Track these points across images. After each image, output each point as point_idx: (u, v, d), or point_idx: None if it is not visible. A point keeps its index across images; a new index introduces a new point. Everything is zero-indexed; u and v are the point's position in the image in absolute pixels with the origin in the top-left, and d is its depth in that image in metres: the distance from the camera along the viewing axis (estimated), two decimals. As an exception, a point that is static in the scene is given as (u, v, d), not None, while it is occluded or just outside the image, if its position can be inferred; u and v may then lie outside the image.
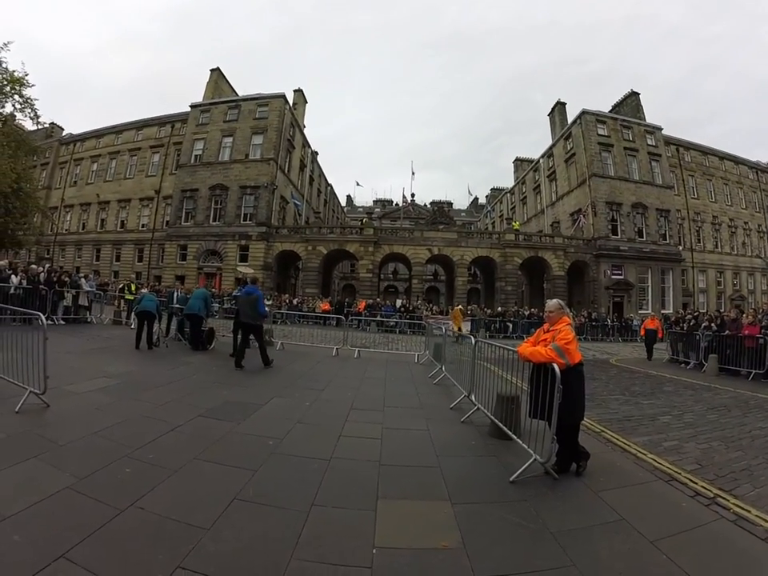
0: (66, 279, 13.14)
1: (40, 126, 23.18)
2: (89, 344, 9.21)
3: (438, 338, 9.49)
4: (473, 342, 5.62)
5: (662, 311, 27.35)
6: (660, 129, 33.15)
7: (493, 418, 4.46)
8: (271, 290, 26.32)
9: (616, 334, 23.68)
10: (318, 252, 28.81)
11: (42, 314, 4.55)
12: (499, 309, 25.01)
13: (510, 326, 22.17)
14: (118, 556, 2.08)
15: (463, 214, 63.30)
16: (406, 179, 76.64)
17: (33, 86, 20.54)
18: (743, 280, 35.49)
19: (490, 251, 29.19)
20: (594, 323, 23.51)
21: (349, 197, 66.67)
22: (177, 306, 11.00)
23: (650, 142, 32.51)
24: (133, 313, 10.83)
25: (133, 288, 14.53)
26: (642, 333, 15.51)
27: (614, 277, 29.10)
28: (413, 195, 58.20)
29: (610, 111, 35.26)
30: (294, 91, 36.62)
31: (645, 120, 33.60)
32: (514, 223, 32.93)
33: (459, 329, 16.08)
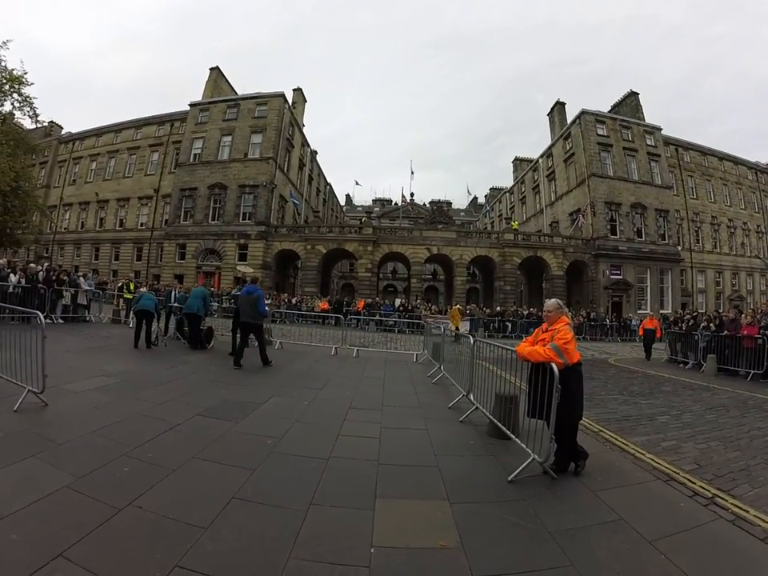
0: (65, 278, 13.12)
1: (39, 125, 23.13)
2: (87, 343, 9.20)
3: (436, 337, 9.50)
4: (471, 341, 5.62)
5: (661, 311, 27.41)
6: (659, 129, 33.18)
7: (491, 417, 4.46)
8: (270, 289, 26.30)
9: (615, 333, 23.71)
10: (317, 251, 28.79)
11: (40, 313, 4.54)
12: (498, 308, 25.02)
13: (509, 325, 22.19)
14: (115, 555, 2.08)
15: (462, 213, 63.33)
16: (405, 179, 76.87)
17: (31, 84, 20.52)
18: (742, 280, 35.55)
19: (489, 251, 29.19)
20: (592, 323, 23.55)
21: (348, 196, 66.65)
22: (176, 304, 10.99)
23: (649, 142, 32.53)
24: (131, 312, 10.82)
25: (131, 287, 14.49)
26: (641, 333, 15.54)
27: (612, 277, 29.13)
28: (412, 194, 58.33)
29: (610, 111, 35.25)
30: (294, 90, 36.60)
31: (644, 120, 33.60)
32: (513, 223, 32.94)
33: (457, 328, 16.10)
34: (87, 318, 13.37)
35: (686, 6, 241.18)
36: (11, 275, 11.16)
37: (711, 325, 12.00)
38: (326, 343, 11.25)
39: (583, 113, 31.91)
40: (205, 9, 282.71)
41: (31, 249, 33.48)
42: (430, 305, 26.71)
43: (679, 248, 31.88)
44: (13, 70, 19.96)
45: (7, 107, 20.80)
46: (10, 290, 10.92)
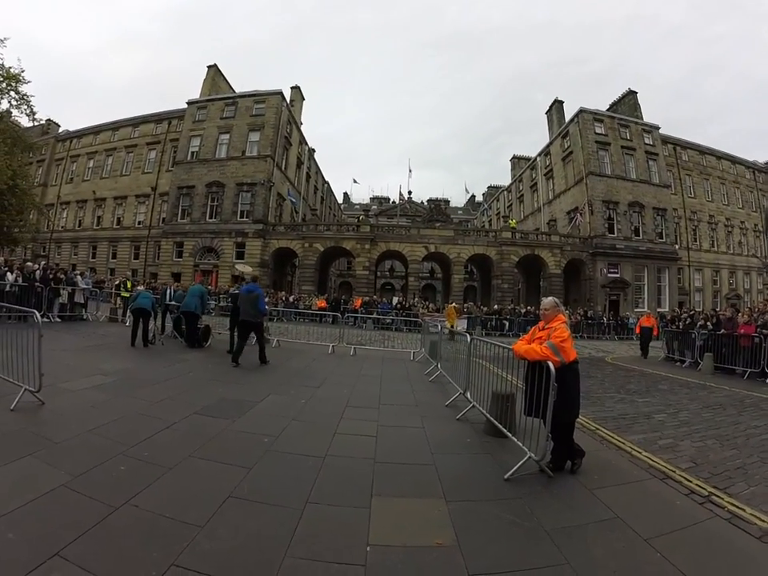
0: (62, 276, 13.07)
1: (36, 123, 23.07)
2: (84, 341, 9.18)
3: (433, 335, 9.50)
4: (468, 339, 5.62)
5: (658, 309, 27.44)
6: (657, 128, 33.19)
7: (488, 415, 4.47)
8: (268, 287, 26.25)
9: (612, 332, 23.77)
10: (315, 249, 28.75)
11: (37, 312, 4.52)
12: (495, 306, 25.04)
13: (506, 323, 22.23)
14: (112, 554, 2.08)
15: (460, 211, 63.28)
16: (403, 177, 76.07)
17: (29, 82, 20.47)
18: (739, 279, 35.66)
19: (487, 249, 29.20)
20: (589, 321, 23.59)
21: (346, 194, 66.61)
22: (173, 303, 10.97)
23: (647, 140, 32.55)
24: (128, 310, 10.79)
25: (129, 285, 14.46)
26: (638, 331, 15.56)
27: (610, 275, 29.19)
28: (410, 193, 58.14)
29: (608, 110, 35.24)
30: (292, 88, 36.48)
31: (642, 119, 33.62)
32: (510, 221, 32.87)
33: (452, 326, 16.10)
34: (84, 317, 13.34)
35: (685, 5, 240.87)
36: (8, 274, 11.12)
37: (708, 323, 12.05)
38: (323, 341, 11.25)
39: (581, 111, 31.90)
40: (205, 9, 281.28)
41: (28, 247, 33.38)
42: (427, 303, 26.71)
43: (677, 247, 31.94)
44: (10, 67, 19.89)
45: (4, 105, 20.79)
46: (7, 288, 10.89)
